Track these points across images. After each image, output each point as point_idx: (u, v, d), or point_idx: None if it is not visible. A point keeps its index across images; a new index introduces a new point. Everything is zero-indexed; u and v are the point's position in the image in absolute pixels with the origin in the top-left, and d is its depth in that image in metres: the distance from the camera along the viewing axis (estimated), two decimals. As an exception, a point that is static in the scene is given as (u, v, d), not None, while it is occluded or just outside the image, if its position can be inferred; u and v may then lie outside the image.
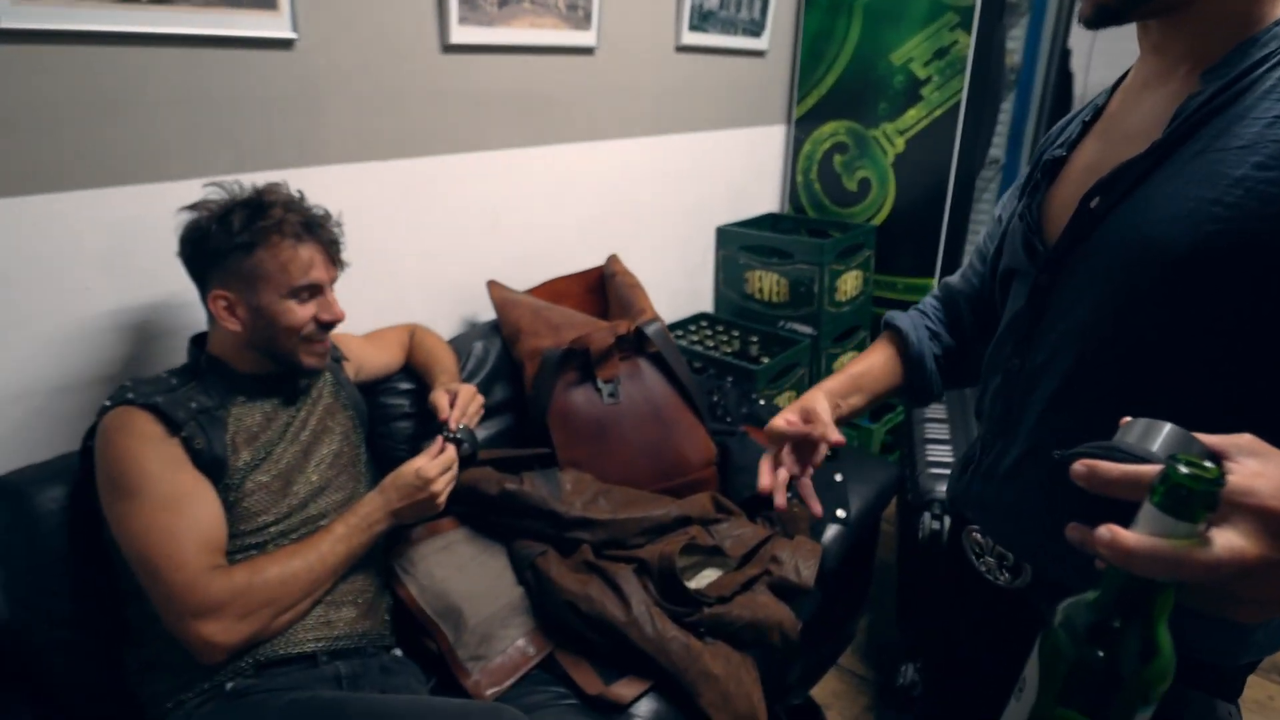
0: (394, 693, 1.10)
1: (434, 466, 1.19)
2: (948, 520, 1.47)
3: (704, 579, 1.34)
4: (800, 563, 1.38)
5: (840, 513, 1.51)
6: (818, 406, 0.88)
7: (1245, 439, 0.46)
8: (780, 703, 1.47)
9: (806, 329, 2.15)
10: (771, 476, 0.88)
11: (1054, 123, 0.97)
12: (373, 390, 1.44)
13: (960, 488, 0.89)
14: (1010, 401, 0.80)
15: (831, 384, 0.94)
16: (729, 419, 1.66)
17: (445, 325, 1.70)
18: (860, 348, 2.29)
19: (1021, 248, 0.81)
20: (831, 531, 1.50)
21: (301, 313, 1.12)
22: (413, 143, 1.54)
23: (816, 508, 0.90)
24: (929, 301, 1.01)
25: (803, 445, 0.89)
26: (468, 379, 1.55)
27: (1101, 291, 0.70)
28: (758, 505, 1.50)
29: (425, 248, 1.63)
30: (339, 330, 1.41)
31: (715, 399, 1.72)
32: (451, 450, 1.23)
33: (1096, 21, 0.68)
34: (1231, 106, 0.63)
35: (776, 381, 1.99)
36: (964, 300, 0.97)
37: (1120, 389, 0.70)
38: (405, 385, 1.48)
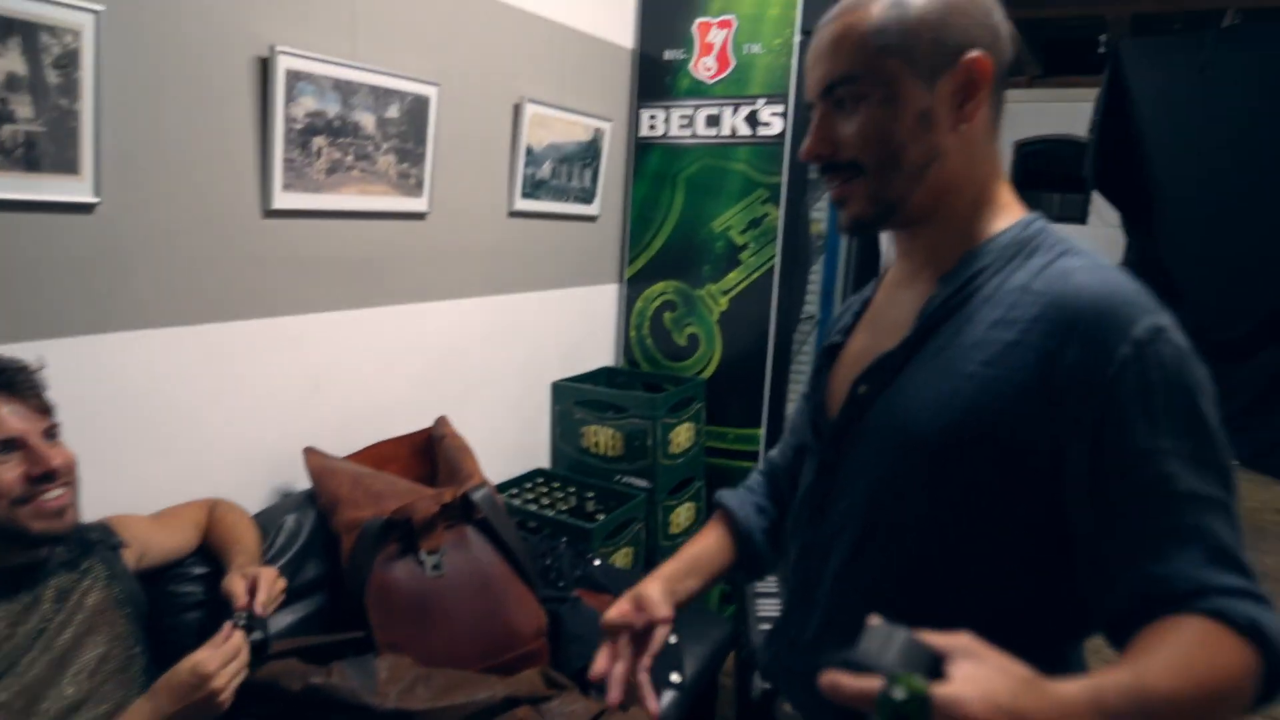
0: None
1: (215, 659, 1.05)
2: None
3: (533, 767, 1.25)
4: (635, 737, 1.32)
5: (675, 677, 1.47)
6: (650, 593, 0.87)
7: (964, 641, 0.50)
8: None
9: (642, 482, 2.17)
10: (607, 664, 0.84)
11: (860, 281, 1.08)
12: (160, 577, 1.29)
13: (768, 657, 0.91)
14: (809, 571, 0.84)
15: (667, 569, 0.93)
16: (562, 583, 1.62)
17: (257, 497, 1.58)
18: (695, 499, 2.34)
19: (808, 426, 0.88)
20: (668, 697, 1.46)
21: (5, 474, 1.00)
22: (228, 306, 1.48)
23: (652, 706, 0.86)
24: (755, 477, 1.06)
25: (640, 634, 0.86)
26: (276, 556, 1.43)
27: (874, 470, 0.76)
28: (591, 676, 1.44)
29: (237, 415, 1.53)
30: (121, 511, 1.28)
31: (548, 562, 1.68)
32: (238, 637, 1.10)
33: (852, 232, 0.79)
34: (963, 308, 0.73)
35: (613, 538, 1.98)
36: (783, 473, 1.02)
37: (898, 562, 0.75)
38: (199, 570, 1.34)
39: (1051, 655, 0.68)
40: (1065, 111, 6.97)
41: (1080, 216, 7.49)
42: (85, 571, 1.12)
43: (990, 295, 0.71)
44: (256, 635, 1.12)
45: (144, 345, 1.36)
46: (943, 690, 0.46)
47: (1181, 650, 0.56)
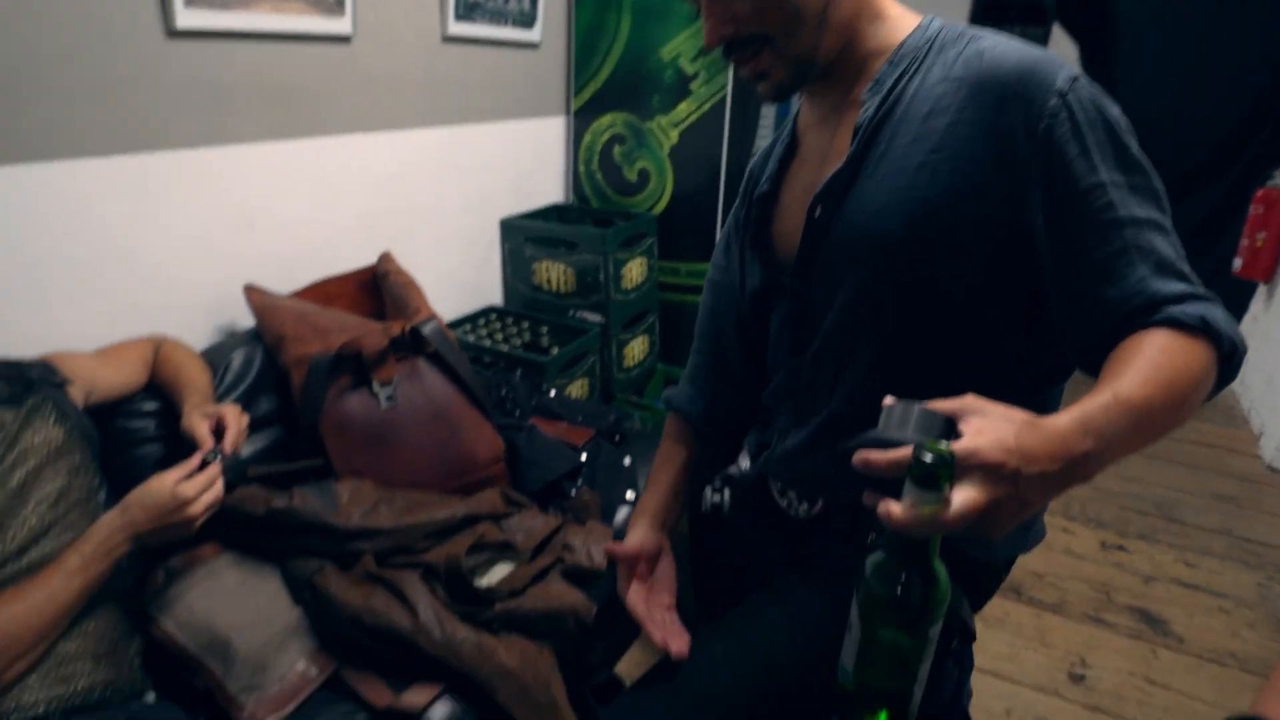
0: (146, 742, 1.00)
1: (193, 486, 1.08)
2: (728, 493, 1.57)
3: (495, 575, 1.33)
4: (592, 547, 1.40)
5: (629, 494, 1.55)
6: (642, 541, 1.02)
7: (969, 401, 0.58)
8: (582, 681, 1.49)
9: (596, 317, 2.19)
10: (640, 600, 0.97)
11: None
12: (110, 414, 1.29)
13: (759, 466, 0.99)
14: (797, 392, 0.90)
15: (650, 504, 1.06)
16: (518, 412, 1.66)
17: (200, 336, 1.56)
18: (649, 332, 2.37)
19: (762, 272, 0.91)
20: (623, 513, 1.54)
21: None
22: (138, 137, 1.38)
23: (681, 646, 0.92)
24: (694, 362, 1.11)
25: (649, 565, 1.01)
26: (226, 393, 1.43)
27: (851, 281, 0.80)
28: (550, 495, 1.51)
29: (168, 253, 1.48)
30: (61, 350, 1.25)
31: (503, 393, 1.71)
32: (214, 469, 1.12)
33: (777, 99, 0.81)
34: (893, 114, 0.76)
35: (567, 371, 2.01)
36: (731, 334, 1.04)
37: (889, 356, 0.80)
38: (149, 406, 1.33)
39: (1037, 402, 0.77)
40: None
41: (1041, 48, 7.30)
42: (31, 410, 1.11)
43: (915, 94, 0.75)
44: (230, 478, 1.14)
45: (49, 178, 1.27)
46: (960, 445, 0.54)
47: (1146, 361, 0.63)
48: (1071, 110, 0.69)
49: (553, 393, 1.80)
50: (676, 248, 2.44)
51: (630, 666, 0.99)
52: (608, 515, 1.51)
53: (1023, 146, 0.69)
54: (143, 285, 1.45)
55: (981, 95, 0.71)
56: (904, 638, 0.60)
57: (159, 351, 1.37)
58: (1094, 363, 0.69)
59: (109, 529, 1.05)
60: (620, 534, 1.49)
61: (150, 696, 1.10)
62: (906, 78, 0.76)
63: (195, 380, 1.32)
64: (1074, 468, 0.57)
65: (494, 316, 2.20)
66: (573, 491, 1.51)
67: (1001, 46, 0.73)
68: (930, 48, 0.77)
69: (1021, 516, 0.56)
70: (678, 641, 0.90)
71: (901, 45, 0.78)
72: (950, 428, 0.57)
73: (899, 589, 0.58)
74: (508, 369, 1.86)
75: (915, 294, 0.77)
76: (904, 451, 0.55)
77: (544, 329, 2.11)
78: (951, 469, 0.53)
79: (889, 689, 0.64)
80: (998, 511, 0.54)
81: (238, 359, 1.46)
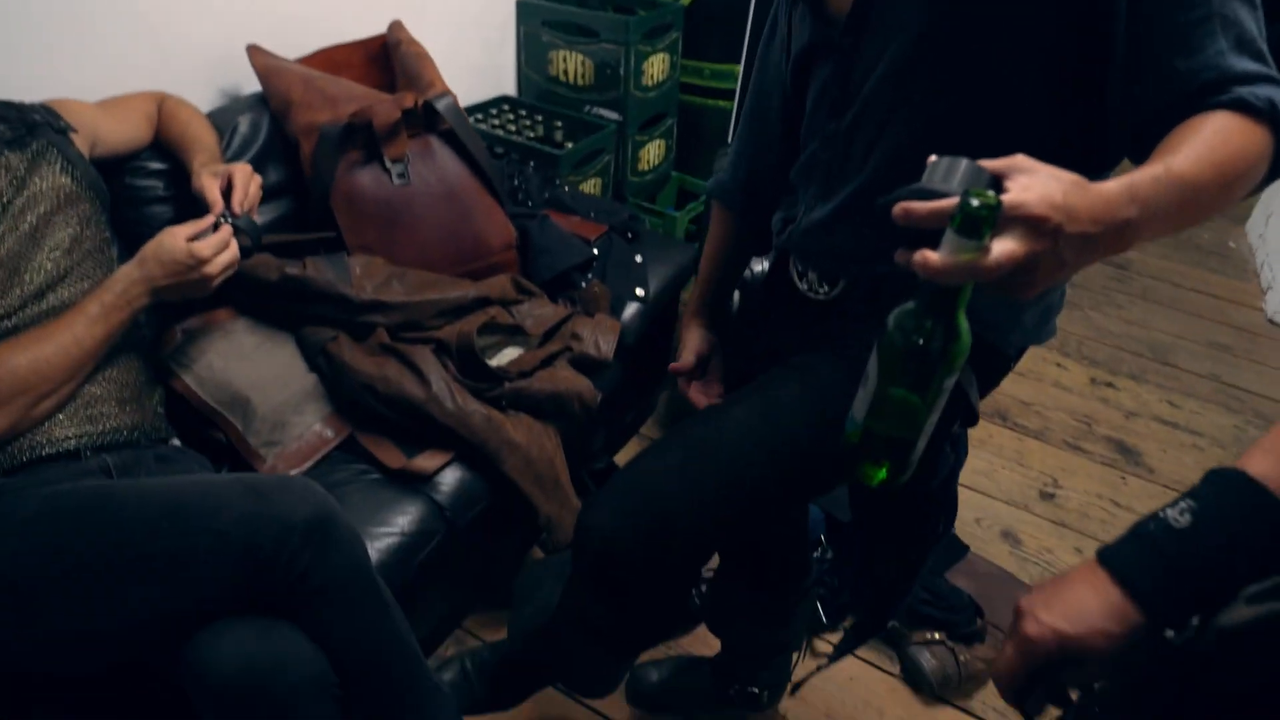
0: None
1: (208, 246, 1.06)
2: (737, 296, 1.58)
3: (505, 357, 1.37)
4: (600, 338, 1.43)
5: (639, 290, 1.56)
6: (696, 340, 1.08)
7: (1019, 160, 0.56)
8: (583, 467, 1.58)
9: (613, 114, 2.09)
10: (700, 396, 1.04)
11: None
12: (116, 169, 1.26)
13: (781, 242, 0.98)
14: (829, 162, 0.88)
15: (697, 302, 1.10)
16: (530, 203, 1.63)
17: (202, 97, 1.49)
18: (667, 135, 2.28)
19: (813, 27, 0.86)
20: (631, 309, 1.56)
21: None
22: None
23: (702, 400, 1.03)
24: (737, 148, 1.08)
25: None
26: (232, 160, 1.39)
27: (904, 36, 0.75)
28: (560, 286, 1.52)
29: (166, 8, 1.38)
30: (63, 96, 1.20)
31: (516, 183, 1.67)
32: (227, 231, 1.10)
33: None
34: None
35: (581, 168, 1.95)
36: (774, 113, 0.99)
37: (925, 130, 0.78)
38: (157, 165, 1.30)
39: None
40: None
41: None
42: (37, 154, 1.08)
43: None
44: (246, 241, 1.12)
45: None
46: (1007, 196, 0.53)
47: (1203, 140, 0.62)
48: None
49: (566, 188, 1.76)
50: (702, 46, 2.28)
51: None
52: (617, 309, 1.52)
53: None
54: (142, 41, 1.37)
55: None
56: (918, 387, 0.62)
57: (163, 107, 1.32)
58: (1144, 149, 0.67)
59: (127, 280, 1.05)
60: (629, 330, 1.52)
61: (175, 442, 1.15)
62: None
63: (202, 138, 1.28)
64: (1115, 233, 0.57)
65: (506, 107, 2.10)
66: (583, 284, 1.51)
67: None
68: None
69: (1055, 279, 0.57)
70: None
71: None
72: (996, 184, 0.56)
73: (921, 338, 0.59)
74: (520, 160, 1.81)
75: (971, 52, 0.73)
76: (948, 202, 0.54)
77: (558, 123, 2.03)
78: (995, 217, 0.52)
79: (897, 438, 0.67)
80: (1033, 268, 0.55)
81: (244, 123, 1.40)
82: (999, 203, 0.52)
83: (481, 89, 2.13)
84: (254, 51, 1.44)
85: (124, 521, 0.86)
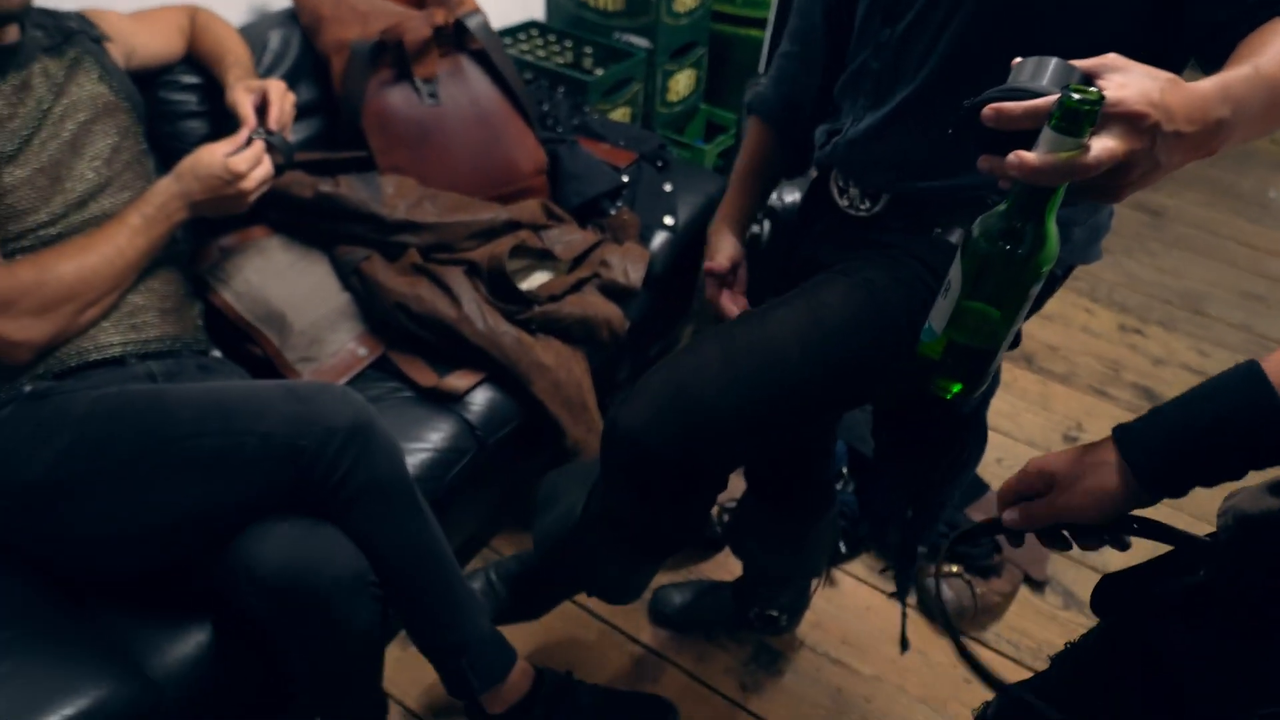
0: (216, 385, 1.09)
1: (243, 160, 1.07)
2: (767, 225, 1.56)
3: (534, 281, 1.37)
4: (629, 266, 1.43)
5: (668, 219, 1.55)
6: (724, 245, 1.06)
7: (1111, 58, 0.55)
8: (609, 396, 1.59)
9: (643, 41, 2.05)
10: (730, 303, 1.03)
11: None
12: (150, 83, 1.25)
13: (825, 155, 0.96)
14: (882, 73, 0.86)
15: (729, 210, 1.07)
16: (559, 129, 1.61)
17: (230, 11, 1.47)
18: (697, 65, 2.23)
19: None
20: (660, 238, 1.55)
21: None
22: None
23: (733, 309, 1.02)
24: (780, 65, 1.04)
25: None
26: (264, 77, 1.38)
27: None
28: (589, 212, 1.51)
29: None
30: (97, 4, 1.19)
31: (545, 108, 1.65)
32: (261, 146, 1.11)
33: None
34: None
35: (610, 96, 1.92)
36: (820, 29, 0.97)
37: (987, 33, 0.75)
38: (190, 79, 1.30)
39: None
40: None
41: None
42: (74, 62, 1.08)
43: None
44: (278, 158, 1.12)
45: None
46: (1107, 92, 0.52)
47: None
48: None
49: (596, 115, 1.74)
50: (736, -28, 2.22)
51: None
52: (646, 238, 1.52)
53: None
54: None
55: None
56: (1003, 295, 0.61)
57: (195, 20, 1.31)
58: (1217, 54, 0.65)
59: (166, 194, 1.06)
60: (657, 258, 1.52)
61: (216, 353, 1.17)
62: None
63: (237, 53, 1.27)
64: (1208, 133, 0.56)
65: (535, 32, 2.06)
66: (612, 211, 1.50)
67: None
68: None
69: (1149, 180, 0.56)
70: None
71: None
72: (1088, 83, 0.54)
73: (1010, 244, 0.58)
74: (550, 86, 1.78)
75: None
76: (1046, 100, 0.53)
77: (587, 49, 1.99)
78: (1097, 113, 0.51)
79: (977, 349, 0.66)
80: (1131, 167, 0.54)
81: (274, 39, 1.39)
82: (1101, 97, 0.51)
83: (510, 12, 2.09)
84: (284, -36, 1.42)
85: (172, 421, 0.89)
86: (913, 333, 0.71)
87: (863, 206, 0.91)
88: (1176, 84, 0.55)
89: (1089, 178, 0.53)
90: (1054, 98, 0.52)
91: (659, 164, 1.62)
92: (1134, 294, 2.49)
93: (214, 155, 1.07)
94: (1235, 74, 0.58)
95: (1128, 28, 0.73)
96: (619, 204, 1.52)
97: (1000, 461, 1.83)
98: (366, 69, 1.35)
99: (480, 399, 1.26)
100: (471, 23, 1.39)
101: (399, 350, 1.27)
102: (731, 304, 1.03)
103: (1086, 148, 0.52)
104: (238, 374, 1.14)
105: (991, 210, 0.60)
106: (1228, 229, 2.93)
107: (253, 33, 1.39)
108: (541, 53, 1.95)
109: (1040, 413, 1.99)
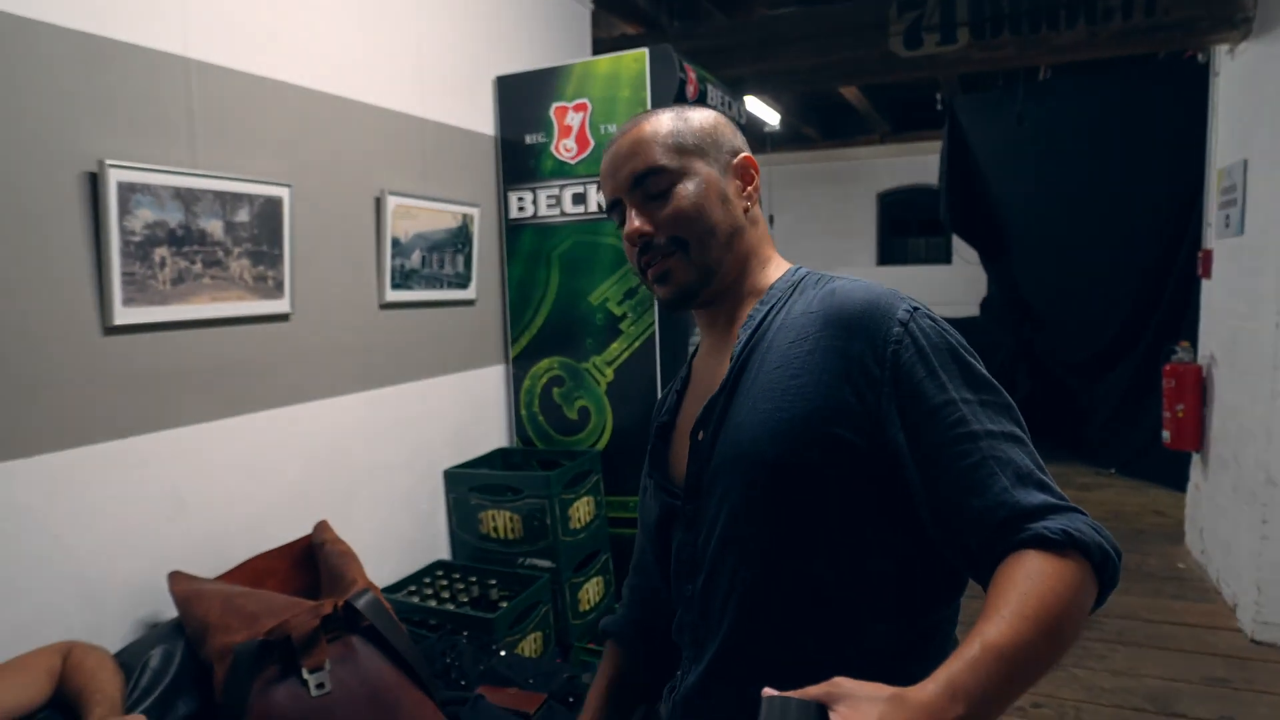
0: None
1: None
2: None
3: None
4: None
5: None
6: None
7: (836, 687, 0.58)
8: None
9: (546, 562, 2.13)
10: None
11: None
12: (5, 737, 1.16)
13: (669, 712, 0.93)
14: (696, 625, 0.88)
15: None
16: (464, 681, 1.55)
17: (119, 633, 1.46)
18: (603, 572, 2.31)
19: (659, 498, 0.94)
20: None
21: None
22: (69, 432, 1.38)
23: None
24: (629, 595, 1.10)
25: None
26: (143, 697, 1.31)
27: (728, 501, 0.82)
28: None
29: (90, 548, 1.42)
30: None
31: (449, 660, 1.60)
32: None
33: (674, 305, 0.90)
34: (762, 342, 0.84)
35: (519, 624, 1.91)
36: (654, 568, 1.04)
37: (768, 582, 0.79)
38: (51, 726, 1.21)
39: (926, 624, 0.78)
40: (917, 163, 7.55)
41: (945, 257, 8.03)
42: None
43: (781, 325, 0.84)
44: None
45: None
46: None
47: (1017, 595, 0.62)
48: (914, 336, 0.76)
49: (503, 652, 1.70)
50: (622, 482, 2.44)
51: None
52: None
53: (873, 370, 0.76)
54: (65, 585, 1.37)
55: (832, 326, 0.79)
56: None
57: (68, 659, 1.27)
58: (982, 576, 0.69)
59: None
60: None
61: None
62: (774, 313, 0.86)
63: (105, 688, 1.22)
64: None
65: (440, 573, 2.12)
66: None
67: (850, 285, 0.83)
68: (794, 289, 0.87)
69: None
70: None
71: (772, 287, 0.89)
72: (823, 714, 0.57)
73: None
74: (454, 631, 1.77)
75: (790, 513, 0.78)
76: None
77: (493, 581, 2.04)
78: None
79: None
80: None
81: (156, 657, 1.35)
82: None
83: (416, 559, 2.16)
84: (175, 577, 1.46)
85: None
86: None
87: None
88: (900, 702, 0.56)
89: None
90: None
91: (570, 699, 1.54)
92: (1103, 710, 2.36)
93: None
94: (961, 661, 0.59)
95: (892, 563, 0.78)
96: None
97: None
98: (251, 670, 1.30)
99: None
100: (360, 603, 1.41)
101: None
102: None
103: None
104: None
105: None
106: (1158, 612, 2.95)
107: (134, 652, 1.36)
108: (447, 594, 1.98)
109: None
